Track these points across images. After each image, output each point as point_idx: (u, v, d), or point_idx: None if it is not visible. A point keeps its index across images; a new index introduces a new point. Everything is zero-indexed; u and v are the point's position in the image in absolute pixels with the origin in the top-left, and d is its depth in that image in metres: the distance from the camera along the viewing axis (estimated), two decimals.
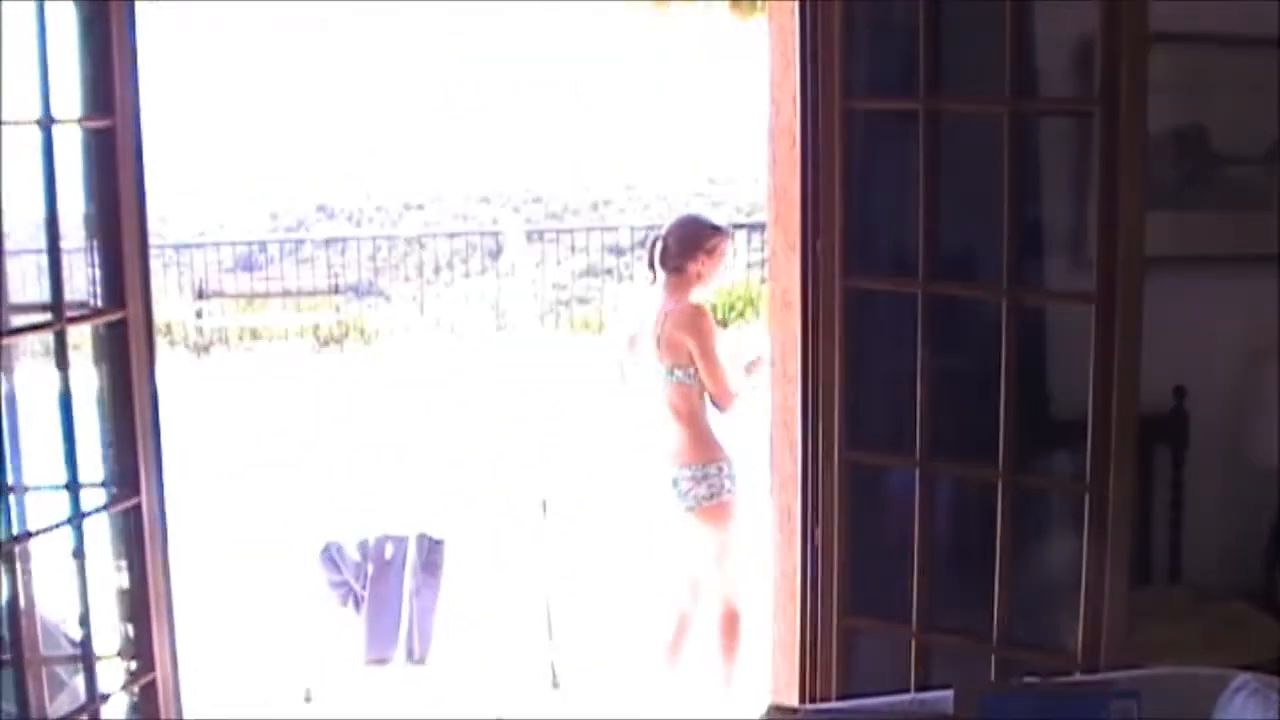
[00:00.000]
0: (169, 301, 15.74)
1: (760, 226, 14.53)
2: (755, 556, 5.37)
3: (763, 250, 15.63)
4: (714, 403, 5.48)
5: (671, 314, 5.50)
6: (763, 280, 15.68)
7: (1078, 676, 3.49)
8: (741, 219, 18.19)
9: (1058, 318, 3.90)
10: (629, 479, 5.68)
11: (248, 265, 22.87)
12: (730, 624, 5.64)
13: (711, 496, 5.47)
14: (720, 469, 5.48)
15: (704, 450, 5.50)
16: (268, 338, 15.99)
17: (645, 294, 5.67)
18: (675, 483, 5.50)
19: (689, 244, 5.59)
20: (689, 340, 5.43)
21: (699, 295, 5.60)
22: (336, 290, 16.29)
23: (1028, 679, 3.41)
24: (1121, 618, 3.56)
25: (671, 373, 5.46)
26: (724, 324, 13.12)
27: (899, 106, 3.75)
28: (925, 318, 3.70)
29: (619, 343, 5.83)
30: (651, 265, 5.68)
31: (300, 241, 25.28)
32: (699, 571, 5.73)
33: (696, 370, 5.43)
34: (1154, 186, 3.59)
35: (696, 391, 5.47)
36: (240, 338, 16.01)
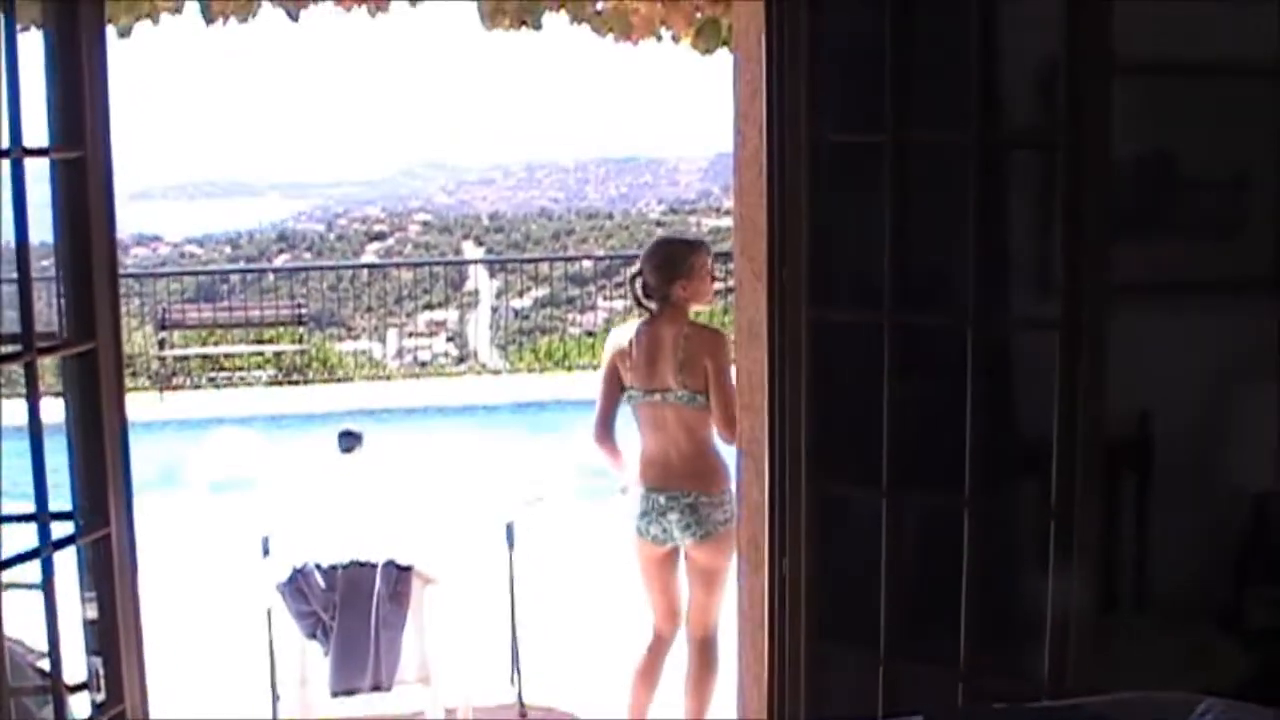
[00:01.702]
0: (129, 332, 15.71)
1: (722, 255, 14.64)
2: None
3: (725, 279, 15.71)
4: (720, 429, 5.42)
5: (691, 337, 5.49)
6: (726, 310, 15.76)
7: (1045, 702, 3.51)
8: None
9: (1024, 346, 3.92)
10: (595, 503, 5.66)
11: (209, 295, 22.86)
12: (707, 648, 5.63)
13: (726, 522, 5.46)
14: (731, 495, 5.46)
15: (720, 477, 5.50)
16: (230, 368, 15.93)
17: (636, 325, 5.63)
18: (693, 509, 5.47)
19: (666, 270, 5.55)
20: (709, 363, 5.41)
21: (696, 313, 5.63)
22: (300, 321, 16.24)
23: (996, 705, 3.43)
24: (1088, 643, 3.58)
25: (694, 398, 5.43)
26: None
27: (866, 139, 3.77)
28: (891, 347, 3.72)
29: (606, 372, 5.74)
30: (639, 301, 5.63)
31: (262, 271, 25.32)
32: (681, 596, 5.72)
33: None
34: (1118, 214, 3.62)
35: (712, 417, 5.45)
36: (202, 368, 15.95)
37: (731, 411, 5.34)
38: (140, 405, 13.37)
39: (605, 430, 5.73)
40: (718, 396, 5.39)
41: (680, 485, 5.50)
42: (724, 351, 5.44)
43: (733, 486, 5.46)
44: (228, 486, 9.23)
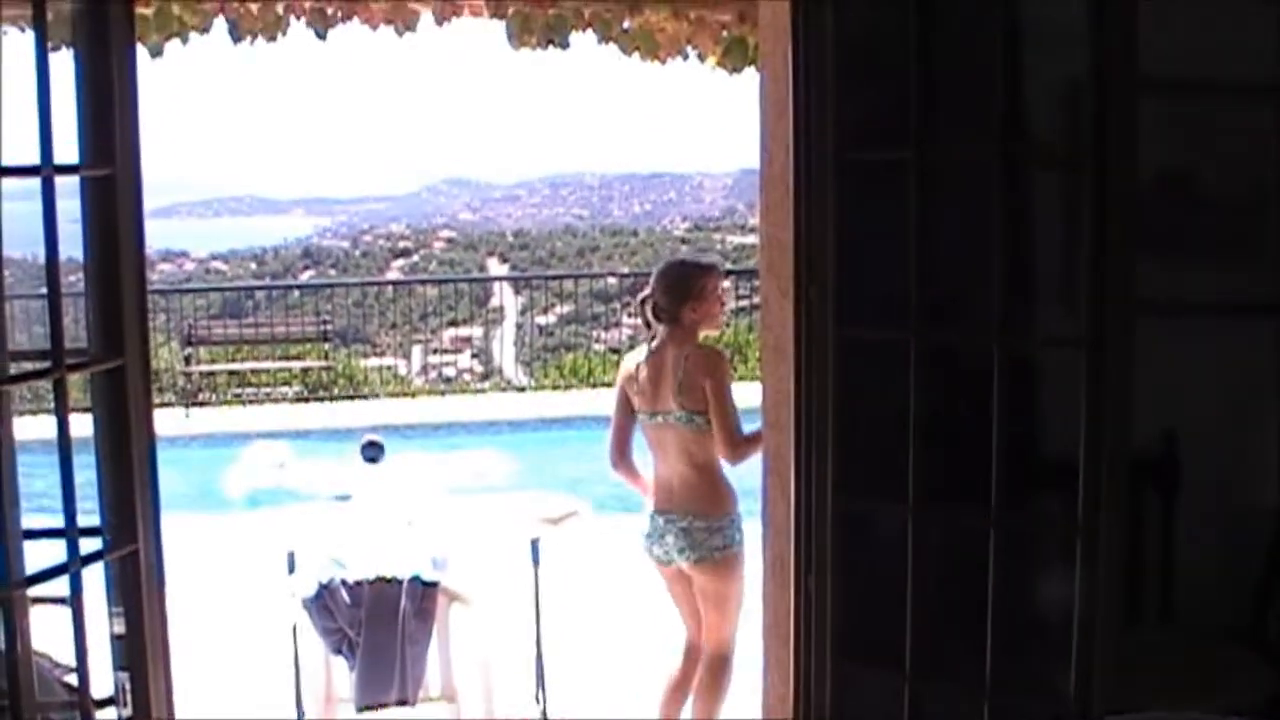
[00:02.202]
0: (155, 347, 15.76)
1: (747, 273, 14.65)
2: (749, 605, 5.41)
3: (750, 296, 15.75)
4: (720, 450, 5.42)
5: (690, 357, 5.48)
6: (750, 328, 15.78)
7: None
8: (728, 265, 18.31)
9: (1050, 362, 3.92)
10: (623, 522, 5.68)
11: (235, 311, 22.94)
12: (718, 664, 5.62)
13: (725, 548, 5.47)
14: (733, 520, 5.48)
15: (720, 501, 5.51)
16: (256, 384, 15.96)
17: (644, 350, 5.65)
18: (688, 532, 5.49)
19: (677, 292, 5.57)
20: (707, 383, 5.41)
21: (705, 335, 5.63)
22: (325, 337, 16.28)
23: None
24: (1113, 661, 3.57)
25: (691, 419, 5.44)
26: None
27: (892, 157, 3.77)
28: (917, 364, 3.72)
29: (618, 397, 5.78)
30: (647, 322, 5.65)
31: (287, 287, 25.42)
32: (696, 613, 5.73)
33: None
34: (1144, 232, 3.61)
35: (713, 440, 5.45)
36: (228, 384, 15.99)
37: (730, 433, 5.36)
38: (166, 421, 13.41)
39: (619, 455, 5.77)
40: (717, 417, 5.41)
41: (678, 508, 5.53)
42: (721, 371, 5.47)
43: (734, 513, 5.47)
44: (265, 500, 9.25)
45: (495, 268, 40.82)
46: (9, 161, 3.30)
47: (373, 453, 6.47)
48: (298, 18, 6.48)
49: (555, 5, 6.56)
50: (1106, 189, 3.46)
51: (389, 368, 19.39)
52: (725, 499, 5.51)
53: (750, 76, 6.60)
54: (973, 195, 3.76)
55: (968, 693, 3.77)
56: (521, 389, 17.02)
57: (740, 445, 5.36)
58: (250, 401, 15.50)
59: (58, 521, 3.47)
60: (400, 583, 5.57)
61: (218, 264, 42.07)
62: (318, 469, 8.72)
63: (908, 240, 3.70)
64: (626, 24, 6.80)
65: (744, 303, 15.46)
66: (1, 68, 3.30)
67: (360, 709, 5.58)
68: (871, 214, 3.92)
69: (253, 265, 41.96)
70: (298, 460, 7.91)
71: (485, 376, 22.80)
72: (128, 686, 3.72)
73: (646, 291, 5.67)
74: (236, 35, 6.46)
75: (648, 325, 5.67)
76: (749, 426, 5.32)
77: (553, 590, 6.58)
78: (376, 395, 16.07)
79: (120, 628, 3.71)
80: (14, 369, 3.51)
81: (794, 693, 4.09)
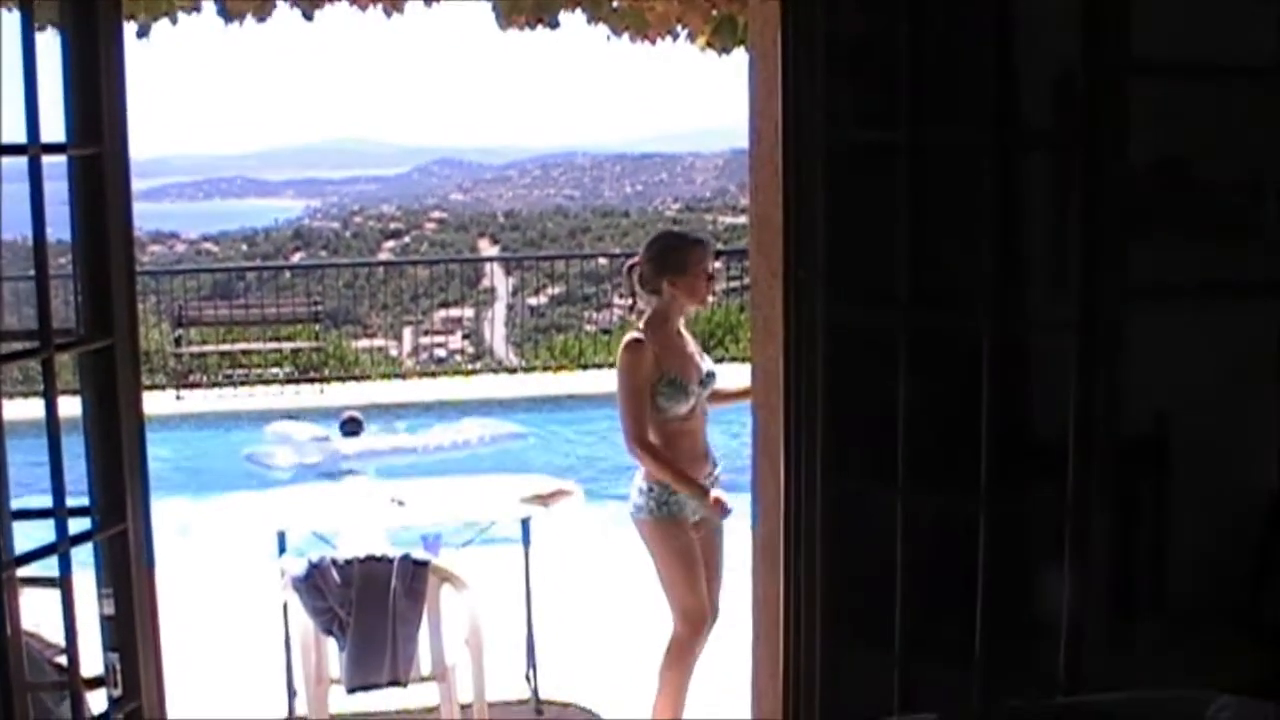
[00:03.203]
0: (145, 329, 15.72)
1: (738, 253, 14.63)
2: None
3: (741, 277, 15.74)
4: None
5: None
6: (742, 308, 15.78)
7: (1061, 701, 3.50)
8: (719, 245, 18.28)
9: (1041, 346, 3.91)
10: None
11: (225, 293, 22.91)
12: (670, 648, 5.63)
13: (633, 509, 5.55)
14: (645, 489, 5.51)
15: (639, 473, 5.55)
16: (247, 365, 15.94)
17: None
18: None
19: (659, 262, 5.55)
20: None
21: (688, 311, 5.61)
22: (316, 318, 16.26)
23: (1012, 704, 3.42)
24: (1105, 642, 3.58)
25: None
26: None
27: (881, 137, 3.76)
28: (907, 347, 3.71)
29: None
30: (632, 292, 5.63)
31: (278, 268, 25.38)
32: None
33: None
34: (1134, 215, 3.61)
35: None
36: (219, 365, 15.97)
37: (623, 417, 5.41)
38: (157, 402, 13.41)
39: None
40: (618, 402, 5.45)
41: None
42: (620, 365, 5.46)
43: (645, 480, 5.50)
44: (305, 476, 9.29)
45: (486, 249, 40.81)
46: None
47: (352, 428, 6.49)
48: None
49: None
50: (1097, 172, 3.45)
51: (380, 349, 19.38)
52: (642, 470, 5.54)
53: (740, 56, 6.59)
54: (964, 178, 3.75)
55: (958, 674, 3.77)
56: (513, 370, 17.00)
57: (629, 439, 5.44)
58: (241, 383, 15.46)
59: (46, 503, 3.47)
60: (390, 561, 5.56)
61: (208, 245, 42.06)
62: (358, 444, 8.76)
63: (898, 223, 3.69)
64: (615, 3, 6.79)
65: (735, 283, 15.46)
66: None
67: (351, 690, 5.57)
68: (861, 196, 3.91)
69: (243, 246, 41.93)
70: (339, 438, 7.94)
71: (476, 357, 22.82)
72: (118, 667, 3.72)
73: (634, 260, 5.65)
74: (227, 16, 6.44)
75: (632, 295, 5.64)
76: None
77: (544, 569, 6.59)
78: (367, 376, 16.04)
79: (110, 608, 3.71)
80: (3, 350, 3.51)
81: (783, 671, 4.09)
